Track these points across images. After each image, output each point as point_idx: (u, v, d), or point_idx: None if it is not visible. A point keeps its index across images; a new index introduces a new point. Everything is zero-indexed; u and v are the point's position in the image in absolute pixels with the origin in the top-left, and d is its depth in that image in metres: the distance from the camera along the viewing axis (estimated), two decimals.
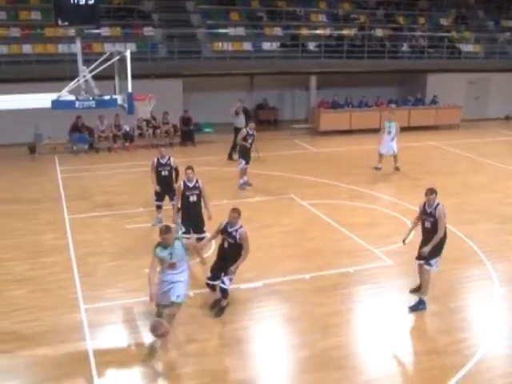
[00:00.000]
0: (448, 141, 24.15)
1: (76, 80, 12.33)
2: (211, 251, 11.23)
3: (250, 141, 16.81)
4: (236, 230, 9.39)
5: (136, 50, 23.58)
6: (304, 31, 27.64)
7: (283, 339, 9.14)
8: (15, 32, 23.34)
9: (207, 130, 24.53)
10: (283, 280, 10.92)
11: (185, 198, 11.61)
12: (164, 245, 8.47)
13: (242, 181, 16.73)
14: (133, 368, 8.18)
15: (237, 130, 19.51)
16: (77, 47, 12.58)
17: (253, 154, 17.07)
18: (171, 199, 13.13)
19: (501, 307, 9.96)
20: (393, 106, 27.03)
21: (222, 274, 9.45)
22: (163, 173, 13.39)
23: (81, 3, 11.63)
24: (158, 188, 13.40)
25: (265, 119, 27.91)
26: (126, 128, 22.45)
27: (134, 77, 11.60)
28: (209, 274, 9.62)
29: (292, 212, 14.87)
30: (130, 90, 11.80)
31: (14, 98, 12.44)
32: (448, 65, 28.27)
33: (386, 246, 12.46)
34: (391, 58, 27.61)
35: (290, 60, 26.02)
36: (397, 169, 18.90)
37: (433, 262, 9.63)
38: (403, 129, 23.14)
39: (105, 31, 24.09)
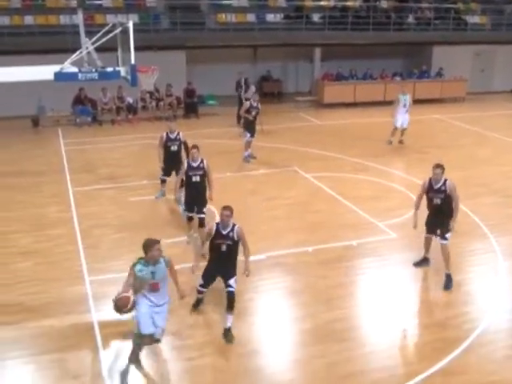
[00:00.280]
0: (453, 114, 24.02)
1: (78, 52, 12.25)
2: None
3: (253, 113, 16.70)
4: (232, 230, 8.32)
5: (138, 21, 23.37)
6: (308, 2, 27.32)
7: (287, 311, 9.20)
8: (16, 3, 23.14)
9: (211, 102, 24.41)
10: (287, 253, 10.95)
11: (188, 177, 10.99)
12: (146, 262, 7.16)
13: (246, 153, 16.69)
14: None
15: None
16: (79, 18, 12.49)
17: (257, 127, 16.99)
18: (178, 174, 12.97)
19: (504, 281, 9.98)
20: (397, 78, 26.84)
21: (225, 279, 8.47)
22: (172, 148, 13.15)
23: None
24: (162, 165, 13.21)
25: (268, 91, 27.75)
26: (129, 100, 22.37)
27: (136, 48, 11.52)
28: (201, 281, 8.64)
29: (296, 185, 14.86)
30: (133, 61, 11.72)
31: (16, 71, 12.38)
32: (454, 37, 27.99)
33: (389, 219, 12.46)
34: (396, 30, 27.31)
35: (293, 32, 25.77)
36: (401, 142, 18.78)
37: (448, 235, 9.69)
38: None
39: (107, 2, 23.89)
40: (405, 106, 18.48)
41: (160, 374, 7.53)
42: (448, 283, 9.70)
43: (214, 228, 8.30)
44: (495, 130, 20.87)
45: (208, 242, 8.47)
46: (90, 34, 12.45)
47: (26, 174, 15.66)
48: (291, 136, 19.95)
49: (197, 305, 8.94)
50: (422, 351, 8.11)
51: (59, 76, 12.07)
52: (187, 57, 24.65)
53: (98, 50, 12.21)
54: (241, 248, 8.44)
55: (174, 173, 13.17)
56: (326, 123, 22.67)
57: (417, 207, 10.07)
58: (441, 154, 17.54)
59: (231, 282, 8.35)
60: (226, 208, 8.32)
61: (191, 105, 23.33)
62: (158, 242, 7.07)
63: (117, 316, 8.52)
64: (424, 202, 9.95)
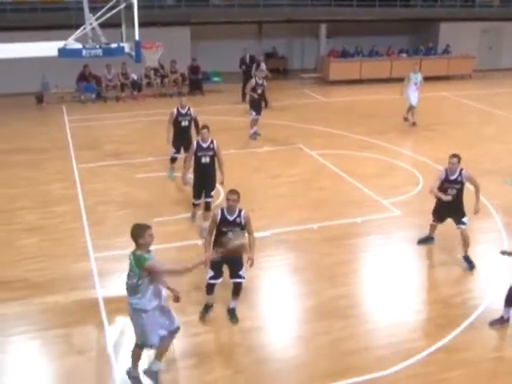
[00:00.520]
0: (460, 91, 23.86)
1: (82, 28, 12.16)
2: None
3: (259, 91, 16.61)
4: (239, 216, 7.84)
5: None
6: None
7: (290, 288, 9.24)
8: None
9: (215, 78, 24.29)
10: (291, 230, 10.96)
11: (197, 158, 10.51)
12: (146, 251, 6.46)
13: (252, 131, 16.65)
14: None
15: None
16: None
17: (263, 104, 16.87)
18: (186, 150, 12.43)
19: (507, 259, 9.96)
20: (404, 55, 26.63)
21: (234, 269, 8.07)
22: (183, 123, 12.97)
23: None
24: (170, 141, 12.97)
25: (273, 68, 27.54)
26: (134, 77, 22.28)
27: (140, 25, 11.42)
28: (211, 273, 8.01)
29: (300, 162, 14.83)
30: (137, 37, 11.64)
31: (20, 47, 12.29)
32: (461, 13, 27.70)
33: (394, 196, 12.45)
34: (403, 7, 27.06)
35: (299, 8, 25.55)
36: (406, 119, 18.63)
37: (465, 220, 9.65)
38: None
39: None
40: (416, 84, 18.16)
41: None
42: (470, 262, 9.69)
43: (219, 214, 7.81)
44: (502, 108, 20.73)
45: (208, 235, 7.96)
46: (93, 9, 12.32)
47: (30, 150, 15.67)
48: (296, 113, 19.88)
49: (206, 311, 8.26)
50: (426, 328, 8.15)
51: (63, 52, 11.99)
52: (192, 33, 24.49)
53: (102, 26, 12.10)
54: None
55: (183, 149, 13.01)
56: (331, 100, 22.56)
57: (434, 193, 9.63)
58: (447, 132, 17.54)
59: (241, 272, 8.00)
60: (233, 192, 7.79)
61: (196, 81, 23.22)
62: (149, 226, 6.45)
63: (121, 292, 8.59)
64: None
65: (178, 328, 6.91)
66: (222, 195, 11.29)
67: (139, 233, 6.35)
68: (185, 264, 7.05)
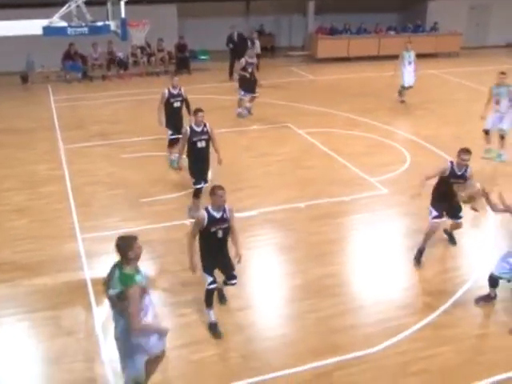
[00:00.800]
0: (448, 69, 23.84)
1: (67, 6, 12.02)
2: None
3: (249, 70, 16.48)
4: (225, 211, 7.25)
5: None
6: None
7: (278, 267, 9.28)
8: None
9: (203, 57, 24.14)
10: (279, 209, 10.98)
11: (192, 144, 10.11)
12: (133, 266, 5.75)
13: (240, 109, 16.56)
14: None
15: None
16: None
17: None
18: (179, 132, 12.15)
19: (493, 236, 10.05)
20: (392, 33, 26.53)
21: (228, 271, 7.67)
22: (175, 104, 12.64)
23: None
24: (162, 123, 12.66)
25: (261, 46, 27.33)
26: (120, 55, 22.06)
27: (126, 2, 11.33)
28: (210, 278, 7.41)
29: (289, 141, 14.81)
30: (123, 15, 11.54)
31: (4, 25, 12.14)
32: None
33: (381, 175, 12.48)
34: None
35: None
36: (402, 101, 18.35)
37: (462, 214, 9.29)
38: None
39: None
40: (410, 63, 17.91)
41: None
42: (451, 239, 9.78)
43: (206, 215, 7.14)
44: (488, 85, 20.66)
45: (191, 240, 7.35)
46: None
47: (15, 131, 15.54)
48: (284, 91, 19.80)
49: (215, 329, 7.55)
50: (413, 305, 8.20)
51: (48, 31, 11.88)
52: (178, 11, 24.25)
53: (88, 3, 11.98)
54: None
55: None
56: (319, 78, 22.48)
57: (423, 186, 8.92)
58: (435, 109, 17.56)
59: (234, 273, 7.66)
60: (220, 187, 7.19)
61: (183, 60, 23.03)
62: (136, 236, 5.72)
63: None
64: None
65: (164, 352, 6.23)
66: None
67: (128, 245, 5.55)
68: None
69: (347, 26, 26.21)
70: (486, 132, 13.57)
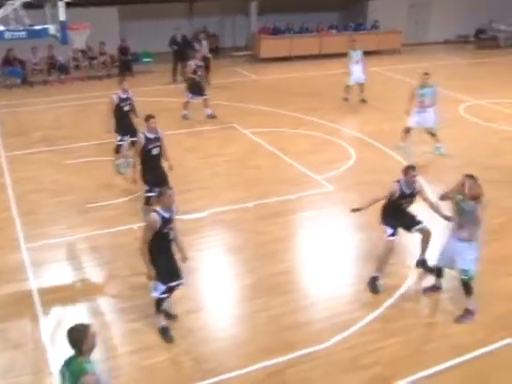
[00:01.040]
0: (389, 66, 24.25)
1: (4, 8, 11.73)
2: None
3: (199, 73, 16.34)
4: (172, 211, 7.27)
5: None
6: None
7: (228, 268, 9.30)
8: None
9: (146, 59, 23.91)
10: (227, 209, 10.99)
11: (147, 151, 9.81)
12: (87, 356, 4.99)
13: (185, 111, 16.43)
14: (78, 304, 8.20)
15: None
16: None
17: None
18: (133, 136, 11.90)
19: (438, 227, 10.26)
20: (333, 31, 26.84)
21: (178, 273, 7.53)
22: (125, 108, 12.41)
23: None
24: (112, 129, 12.35)
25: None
26: (61, 60, 21.65)
27: (66, 5, 11.10)
28: (163, 288, 7.33)
29: (235, 141, 14.83)
30: (62, 18, 11.31)
31: None
32: None
33: (327, 172, 12.62)
34: None
35: None
36: (363, 100, 18.34)
37: (418, 217, 8.85)
38: (344, 54, 23.06)
39: None
40: (357, 62, 18.03)
41: (104, 339, 7.50)
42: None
43: (159, 217, 7.07)
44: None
45: (144, 246, 7.18)
46: None
47: None
48: (228, 92, 19.80)
49: (167, 333, 7.50)
50: (362, 299, 8.33)
51: None
52: (120, 13, 23.96)
53: (26, 6, 11.70)
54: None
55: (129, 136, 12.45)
56: (262, 78, 22.57)
57: (366, 207, 8.67)
58: (379, 106, 17.85)
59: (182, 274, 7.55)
60: (168, 187, 7.39)
61: (125, 63, 22.75)
62: (89, 324, 5.11)
63: (56, 282, 8.49)
64: None
65: None
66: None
67: (81, 336, 4.91)
68: None
69: (289, 25, 26.38)
70: (408, 130, 13.84)
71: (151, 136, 9.88)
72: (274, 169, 13.01)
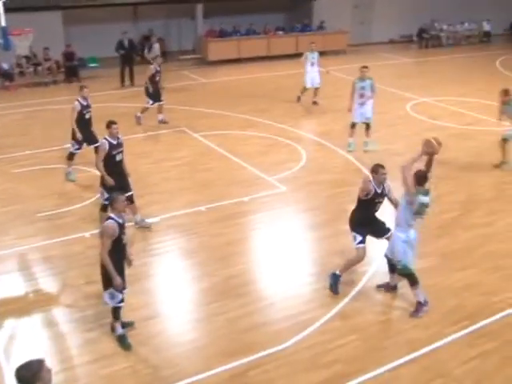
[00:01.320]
0: (336, 66, 24.47)
1: None
2: None
3: (157, 78, 16.07)
4: (123, 217, 7.28)
5: None
6: None
7: (183, 272, 9.25)
8: None
9: (92, 64, 23.58)
10: (180, 213, 10.93)
11: (111, 157, 9.69)
12: None
13: (139, 114, 16.13)
14: (32, 315, 8.01)
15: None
16: None
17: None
18: (93, 143, 12.08)
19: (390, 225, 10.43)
20: (280, 33, 26.98)
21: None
22: (87, 116, 12.25)
23: None
24: (80, 136, 12.06)
25: None
26: (5, 66, 21.16)
27: (7, 10, 10.88)
28: (120, 297, 7.27)
29: (185, 145, 14.75)
30: (3, 24, 11.09)
31: None
32: None
33: (278, 173, 12.68)
34: None
35: None
36: (315, 103, 18.40)
37: (387, 225, 8.69)
38: (292, 56, 23.30)
39: None
40: (313, 64, 18.16)
41: (61, 349, 7.35)
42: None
43: (116, 225, 7.02)
44: (376, 81, 21.45)
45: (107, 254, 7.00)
46: None
47: None
48: (177, 96, 19.67)
49: (123, 340, 7.37)
50: (320, 298, 8.40)
51: None
52: (64, 18, 23.52)
53: None
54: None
55: (85, 144, 12.36)
56: (211, 81, 22.54)
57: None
58: (327, 106, 18.02)
59: None
60: (121, 193, 7.38)
61: (71, 68, 22.37)
62: (43, 360, 4.40)
63: (9, 293, 8.28)
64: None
65: None
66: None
67: (34, 375, 4.27)
68: None
69: (236, 27, 26.42)
70: (353, 125, 14.08)
71: (114, 142, 9.77)
72: (225, 171, 13.00)
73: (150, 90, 15.90)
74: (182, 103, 18.51)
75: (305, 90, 18.48)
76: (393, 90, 20.04)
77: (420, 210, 7.71)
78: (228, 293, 8.46)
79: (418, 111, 17.60)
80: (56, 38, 22.57)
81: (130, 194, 9.87)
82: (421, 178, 7.73)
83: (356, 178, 12.24)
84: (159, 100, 16.19)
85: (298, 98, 18.63)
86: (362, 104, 13.84)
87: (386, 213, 8.71)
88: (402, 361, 7.12)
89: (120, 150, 9.87)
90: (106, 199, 9.48)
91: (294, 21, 28.26)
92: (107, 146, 9.67)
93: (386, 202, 8.44)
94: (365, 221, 8.38)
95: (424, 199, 7.65)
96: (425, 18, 30.14)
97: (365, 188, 8.19)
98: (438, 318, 7.94)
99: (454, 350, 7.36)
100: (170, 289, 8.76)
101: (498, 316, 7.99)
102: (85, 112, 12.21)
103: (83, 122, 12.19)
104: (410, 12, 29.82)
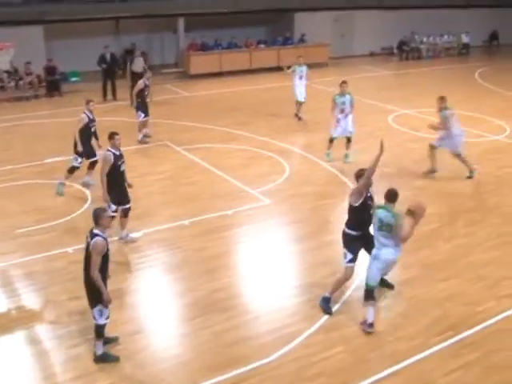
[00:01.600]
0: (318, 79, 24.58)
1: None
2: None
3: (146, 92, 16.07)
4: (105, 232, 7.31)
5: None
6: None
7: (167, 287, 9.22)
8: None
9: (74, 78, 23.52)
10: (164, 228, 10.90)
11: (116, 168, 9.80)
12: None
13: (141, 135, 16.05)
14: (15, 332, 7.94)
15: (134, 75, 19.42)
16: None
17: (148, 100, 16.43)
18: (91, 157, 12.36)
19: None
20: (262, 46, 27.12)
21: None
22: (93, 129, 12.40)
23: None
24: (81, 149, 12.22)
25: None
26: None
27: None
28: (108, 313, 7.24)
29: (168, 158, 14.74)
30: None
31: None
32: (312, 3, 28.53)
33: (262, 186, 12.71)
34: None
35: (155, 2, 25.25)
36: (299, 118, 18.37)
37: None
38: (274, 69, 23.41)
39: None
40: (301, 78, 18.19)
41: (44, 366, 7.28)
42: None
43: (104, 242, 7.07)
44: (356, 93, 21.57)
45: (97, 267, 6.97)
46: None
47: None
48: (160, 109, 19.61)
49: (107, 357, 7.33)
50: (304, 311, 8.40)
51: None
52: (46, 32, 23.47)
53: None
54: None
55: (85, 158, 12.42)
56: (193, 94, 22.57)
57: None
58: (308, 119, 18.10)
59: None
60: (104, 209, 7.45)
61: (53, 82, 22.29)
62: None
63: None
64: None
65: None
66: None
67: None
68: None
69: (218, 41, 26.52)
70: (331, 140, 14.21)
71: (117, 153, 9.90)
72: (208, 185, 13.00)
73: (140, 104, 15.89)
74: (165, 117, 18.51)
75: (298, 103, 18.38)
76: (374, 102, 20.20)
77: (379, 225, 7.74)
78: (213, 306, 8.44)
79: (400, 123, 17.76)
80: (37, 53, 22.52)
81: (127, 206, 10.09)
82: (391, 195, 7.75)
83: (339, 190, 12.36)
84: (147, 114, 16.15)
85: (297, 116, 18.40)
86: (343, 119, 13.94)
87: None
88: (385, 373, 7.13)
89: (123, 160, 10.03)
90: (113, 211, 9.74)
91: (275, 34, 28.45)
92: (112, 158, 9.78)
93: None
94: (361, 226, 8.22)
95: (381, 213, 7.70)
96: (405, 30, 30.50)
97: (367, 185, 8.09)
98: (422, 329, 7.97)
99: (437, 361, 7.40)
100: (154, 304, 8.71)
101: (480, 326, 8.05)
102: (91, 125, 12.37)
103: (87, 135, 12.32)
104: (390, 24, 30.19)
